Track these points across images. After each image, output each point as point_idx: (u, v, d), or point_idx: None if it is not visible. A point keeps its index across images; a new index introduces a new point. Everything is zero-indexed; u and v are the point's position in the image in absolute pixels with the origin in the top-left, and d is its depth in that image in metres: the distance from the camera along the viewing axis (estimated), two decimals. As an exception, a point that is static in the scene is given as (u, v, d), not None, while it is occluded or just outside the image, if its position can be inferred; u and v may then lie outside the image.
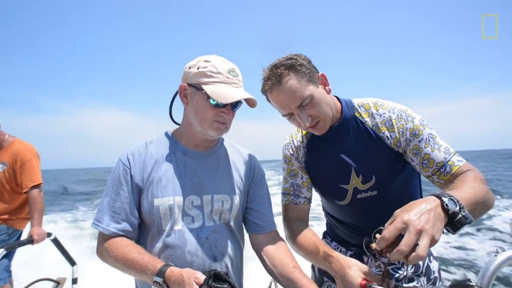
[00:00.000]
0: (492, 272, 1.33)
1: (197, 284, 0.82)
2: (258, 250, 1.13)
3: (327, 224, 1.42)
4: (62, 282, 2.55)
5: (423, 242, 0.66)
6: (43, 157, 2.87)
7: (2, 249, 2.02)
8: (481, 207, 0.86)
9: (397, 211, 0.74)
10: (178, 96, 1.09)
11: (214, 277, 0.85)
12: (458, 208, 0.74)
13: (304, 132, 1.25)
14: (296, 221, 1.20)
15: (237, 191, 1.13)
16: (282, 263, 1.02)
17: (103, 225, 1.00)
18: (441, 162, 1.03)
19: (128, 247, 0.96)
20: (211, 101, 1.00)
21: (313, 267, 1.40)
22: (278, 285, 1.57)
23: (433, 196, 0.76)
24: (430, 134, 1.06)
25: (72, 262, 2.46)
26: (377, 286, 0.82)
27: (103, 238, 1.01)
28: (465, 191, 0.85)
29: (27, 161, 2.64)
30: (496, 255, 1.40)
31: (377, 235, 0.73)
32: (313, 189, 1.26)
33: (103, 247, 0.99)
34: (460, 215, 0.74)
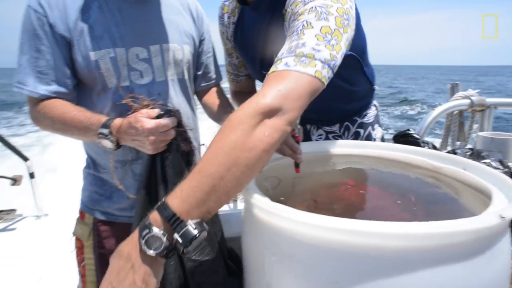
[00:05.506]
0: (428, 122, 1.50)
1: (151, 118, 0.76)
2: (202, 102, 1.14)
3: None
4: (19, 180, 2.49)
5: None
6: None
7: None
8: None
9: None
10: None
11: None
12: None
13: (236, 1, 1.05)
14: (242, 93, 1.23)
15: (186, 40, 1.02)
16: (222, 107, 1.07)
17: (28, 88, 0.85)
18: (276, 57, 0.71)
19: (66, 107, 0.86)
20: None
21: None
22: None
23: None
24: (305, 22, 0.71)
25: (24, 158, 2.37)
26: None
27: (33, 102, 0.88)
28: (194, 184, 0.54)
29: None
30: (433, 110, 1.57)
31: None
32: None
33: (36, 110, 0.88)
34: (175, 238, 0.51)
